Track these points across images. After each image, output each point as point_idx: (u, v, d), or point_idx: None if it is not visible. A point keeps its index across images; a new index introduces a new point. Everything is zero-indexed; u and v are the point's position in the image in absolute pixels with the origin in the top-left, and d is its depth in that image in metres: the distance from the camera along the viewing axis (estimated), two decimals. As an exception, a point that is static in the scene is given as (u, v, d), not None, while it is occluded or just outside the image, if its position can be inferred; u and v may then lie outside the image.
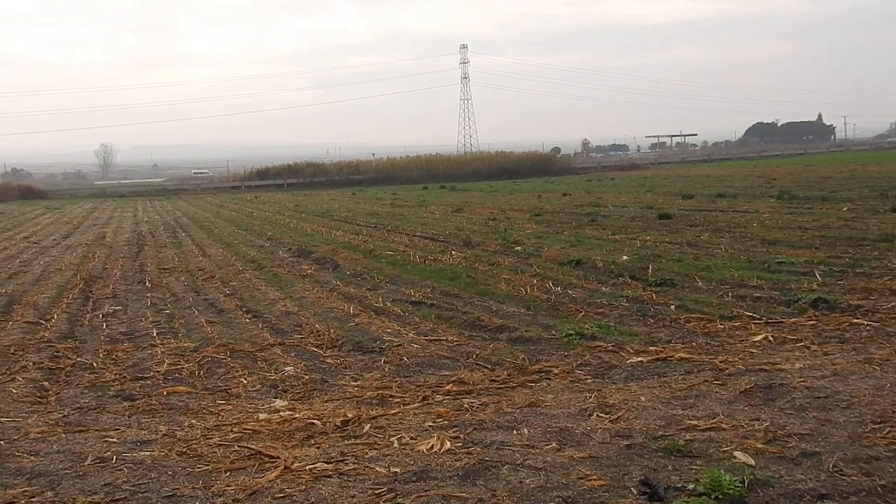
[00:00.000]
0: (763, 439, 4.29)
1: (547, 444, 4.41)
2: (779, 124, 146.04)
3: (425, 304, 9.96)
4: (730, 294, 9.17)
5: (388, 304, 9.98)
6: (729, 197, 24.56)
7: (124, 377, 7.04)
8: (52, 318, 9.95)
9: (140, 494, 3.98)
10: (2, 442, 4.97)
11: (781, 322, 7.79)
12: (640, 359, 6.73)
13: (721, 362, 6.28)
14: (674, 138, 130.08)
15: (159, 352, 7.94)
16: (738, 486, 3.57)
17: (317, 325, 8.83)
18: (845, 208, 18.59)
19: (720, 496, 3.50)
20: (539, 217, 21.23)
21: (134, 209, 37.73)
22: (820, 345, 6.77)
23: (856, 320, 7.58)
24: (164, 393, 6.42)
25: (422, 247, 15.85)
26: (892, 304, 8.15)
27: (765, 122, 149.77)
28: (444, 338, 8.10)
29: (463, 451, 4.36)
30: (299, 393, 6.37)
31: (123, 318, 10.01)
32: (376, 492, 3.82)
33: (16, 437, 5.09)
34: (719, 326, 7.78)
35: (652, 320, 8.30)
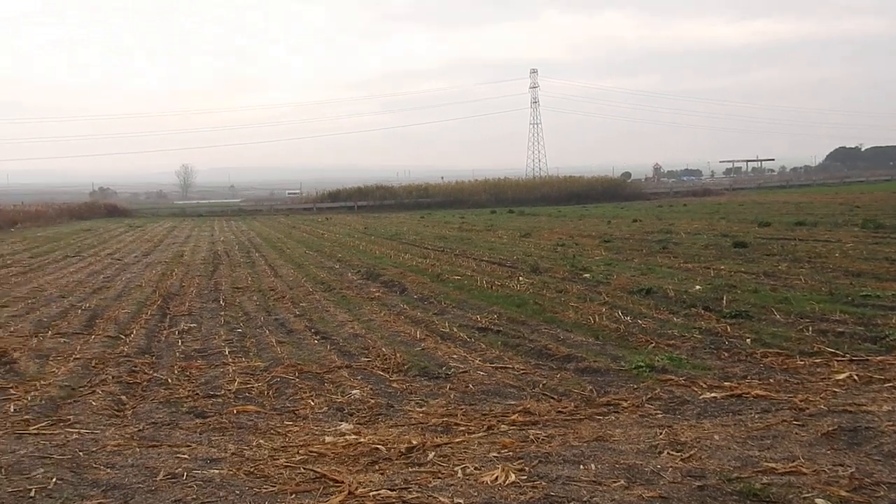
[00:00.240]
0: (847, 487, 4.07)
1: (615, 482, 4.29)
2: (863, 149, 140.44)
3: (492, 330, 9.91)
4: (810, 328, 8.81)
5: (455, 330, 9.97)
6: (809, 225, 23.71)
7: (197, 394, 7.21)
8: (132, 333, 10.31)
9: (208, 513, 4.04)
10: (81, 453, 5.14)
11: (867, 360, 7.42)
12: (713, 394, 6.51)
13: (801, 401, 6.01)
14: (749, 163, 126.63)
15: (231, 370, 8.11)
16: (819, 536, 3.39)
17: (383, 349, 8.89)
18: (935, 241, 17.69)
19: (800, 546, 3.33)
20: (608, 243, 20.94)
21: (211, 229, 38.92)
22: (909, 386, 6.41)
23: (948, 361, 7.16)
24: (234, 411, 6.54)
25: (489, 272, 15.81)
26: None
27: (847, 146, 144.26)
28: (510, 366, 8.03)
29: (528, 484, 4.28)
30: (365, 417, 6.39)
31: (198, 336, 10.28)
32: (440, 522, 3.78)
33: (94, 449, 5.26)
34: (799, 363, 7.47)
35: (726, 354, 8.04)
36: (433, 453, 5.09)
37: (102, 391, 7.20)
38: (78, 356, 8.74)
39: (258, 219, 51.92)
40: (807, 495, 3.96)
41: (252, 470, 4.78)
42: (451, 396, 6.93)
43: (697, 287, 12.08)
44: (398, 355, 8.49)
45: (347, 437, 5.62)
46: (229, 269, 18.50)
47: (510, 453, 4.98)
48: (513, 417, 6.10)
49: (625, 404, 6.42)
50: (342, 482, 4.44)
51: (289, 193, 76.70)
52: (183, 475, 4.65)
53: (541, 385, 7.20)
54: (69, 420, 6.20)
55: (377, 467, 4.86)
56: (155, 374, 7.99)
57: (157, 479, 4.60)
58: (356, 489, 4.29)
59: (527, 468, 4.58)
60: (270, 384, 7.49)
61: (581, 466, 4.60)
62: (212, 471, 4.75)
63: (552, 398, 6.77)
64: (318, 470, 4.74)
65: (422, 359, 8.41)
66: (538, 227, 29.41)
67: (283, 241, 27.98)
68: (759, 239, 19.82)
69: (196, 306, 12.81)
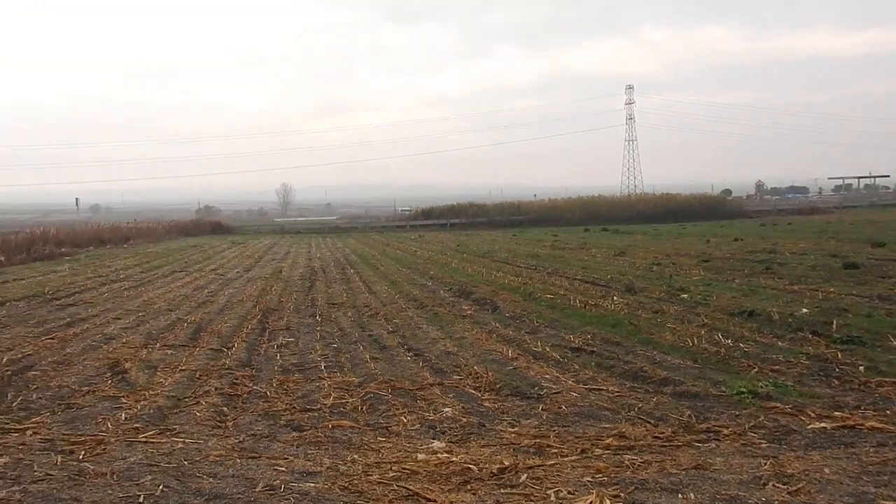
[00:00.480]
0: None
1: (716, 513, 4.12)
2: None
3: (585, 350, 9.75)
4: (930, 357, 8.24)
5: (547, 349, 9.87)
6: (927, 246, 22.24)
7: (294, 407, 7.40)
8: (233, 346, 10.69)
9: (304, 526, 4.13)
10: (186, 462, 5.36)
11: None
12: (822, 425, 6.17)
13: (921, 435, 5.62)
14: (861, 180, 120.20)
15: (326, 385, 8.28)
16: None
17: (475, 367, 8.88)
18: None
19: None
20: (707, 263, 20.26)
21: (308, 245, 40.05)
22: None
23: None
24: (330, 426, 6.67)
25: (582, 291, 15.59)
26: None
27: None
28: (604, 387, 7.87)
29: (624, 511, 4.17)
30: (457, 435, 6.39)
31: (295, 350, 10.56)
32: (532, 547, 3.72)
33: (197, 459, 5.48)
34: (918, 393, 6.99)
35: (837, 382, 7.60)
36: (525, 475, 5.04)
37: (206, 402, 7.49)
38: (183, 368, 9.14)
39: (353, 236, 53.10)
40: (929, 538, 3.69)
41: (347, 485, 4.85)
42: (544, 417, 6.85)
43: (804, 310, 11.51)
44: (490, 374, 8.47)
45: (440, 455, 5.64)
46: (325, 286, 18.95)
47: (605, 478, 4.86)
48: (607, 441, 5.97)
49: (726, 432, 6.17)
50: (434, 501, 4.46)
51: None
52: (280, 487, 4.77)
53: (636, 408, 7.01)
54: (175, 429, 6.49)
55: (469, 487, 4.85)
56: (254, 387, 8.25)
57: (256, 490, 4.74)
58: (448, 509, 4.29)
59: (622, 495, 4.47)
60: (364, 400, 7.60)
61: (679, 495, 4.45)
62: (308, 484, 4.86)
63: (648, 422, 6.58)
64: (411, 488, 4.77)
65: (514, 378, 8.35)
66: (633, 246, 28.82)
67: (376, 259, 28.47)
68: (872, 260, 18.71)
69: (294, 321, 13.17)
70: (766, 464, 5.10)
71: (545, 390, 7.73)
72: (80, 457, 5.49)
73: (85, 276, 22.73)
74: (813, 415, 6.47)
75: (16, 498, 4.46)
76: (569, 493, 4.58)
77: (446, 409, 7.16)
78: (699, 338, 9.91)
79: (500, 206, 69.75)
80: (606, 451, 5.70)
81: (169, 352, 10.24)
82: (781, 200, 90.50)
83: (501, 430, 6.49)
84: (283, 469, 5.22)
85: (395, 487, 4.80)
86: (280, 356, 10.07)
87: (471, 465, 5.29)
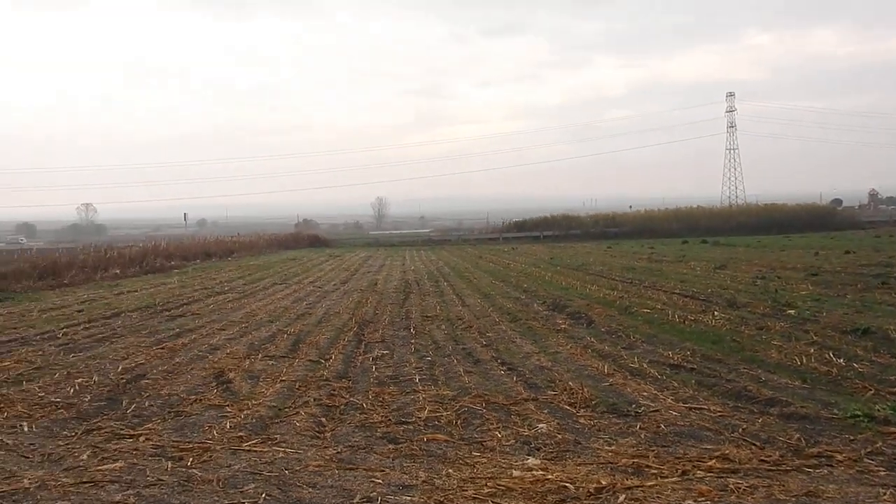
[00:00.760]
0: None
1: (830, 544, 3.90)
2: None
3: (684, 367, 9.45)
4: None
5: (645, 366, 9.62)
6: None
7: (390, 420, 7.49)
8: (331, 358, 10.94)
9: (400, 539, 4.16)
10: (286, 471, 5.51)
11: None
12: (948, 452, 5.74)
13: None
14: None
15: (421, 397, 8.34)
16: None
17: (570, 383, 8.75)
18: None
19: None
20: (816, 277, 19.31)
21: (402, 258, 40.63)
22: None
23: None
24: (425, 439, 6.71)
25: (681, 305, 15.14)
26: None
27: None
28: (705, 406, 7.59)
29: (729, 538, 4.00)
30: (552, 452, 6.31)
31: (390, 362, 10.70)
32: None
33: (297, 469, 5.62)
34: None
35: (963, 406, 7.07)
36: (624, 496, 4.92)
37: (305, 413, 7.68)
38: (284, 378, 9.41)
39: (446, 248, 53.51)
40: None
41: (442, 499, 4.87)
42: (642, 436, 6.67)
43: (925, 328, 10.78)
44: (585, 390, 8.33)
45: (535, 472, 5.58)
46: (419, 298, 19.16)
47: (708, 502, 4.69)
48: (710, 463, 5.75)
49: (839, 457, 5.83)
50: (530, 519, 4.40)
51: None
52: (377, 500, 4.84)
53: (740, 430, 6.73)
54: (276, 439, 6.68)
55: (565, 506, 4.77)
56: (351, 399, 8.41)
57: (354, 501, 4.82)
58: (544, 528, 4.23)
59: (727, 521, 4.29)
60: (459, 413, 7.61)
61: (789, 524, 4.23)
62: (404, 497, 4.90)
63: (754, 445, 6.30)
64: (506, 505, 4.73)
65: (610, 395, 8.18)
66: (734, 259, 27.80)
67: (469, 271, 28.58)
68: None
69: (388, 333, 13.36)
70: (885, 493, 4.79)
71: (643, 408, 7.53)
72: (189, 463, 5.74)
73: (192, 287, 23.83)
74: (937, 441, 6.04)
75: (130, 501, 4.70)
76: (670, 516, 4.44)
77: (541, 425, 7.08)
78: (808, 356, 9.45)
79: (594, 218, 68.81)
80: (709, 474, 5.49)
81: (270, 362, 10.57)
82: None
83: (598, 449, 6.36)
84: (380, 481, 5.29)
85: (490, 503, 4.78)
86: (375, 368, 10.23)
87: (567, 484, 5.21)
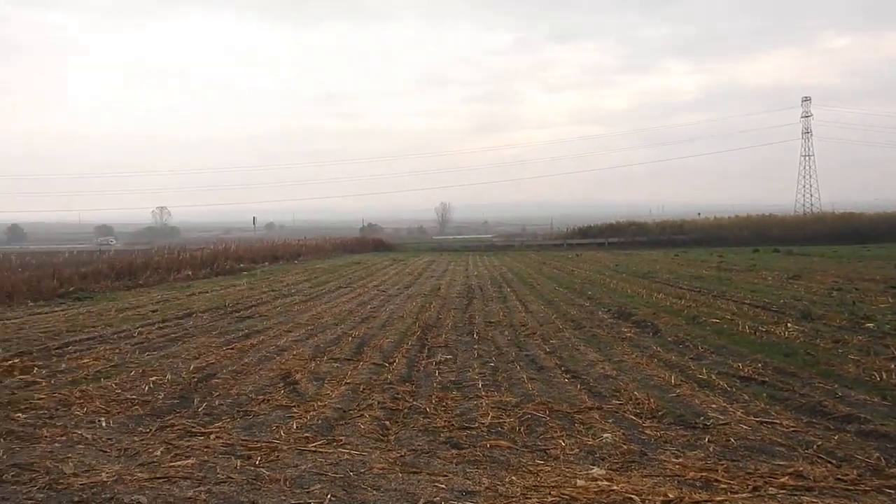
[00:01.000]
0: None
1: (912, 569, 3.73)
2: None
3: (755, 380, 9.18)
4: None
5: (713, 377, 9.39)
6: None
7: (453, 425, 7.50)
8: (394, 361, 11.03)
9: (464, 545, 4.16)
10: (351, 473, 5.58)
11: None
12: None
13: None
14: None
15: (484, 403, 8.33)
16: None
17: (636, 393, 8.61)
18: None
19: None
20: (896, 289, 18.50)
21: (465, 263, 40.69)
22: None
23: None
24: (488, 445, 6.70)
25: (752, 316, 14.72)
26: None
27: None
28: (777, 421, 7.36)
29: (803, 558, 3.86)
30: (617, 463, 6.21)
31: (453, 367, 10.72)
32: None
33: (362, 471, 5.68)
34: None
35: None
36: (692, 510, 4.80)
37: (369, 415, 7.77)
38: (348, 381, 9.54)
39: (509, 254, 53.34)
40: None
41: (505, 507, 4.85)
42: (711, 449, 6.51)
43: None
44: (651, 400, 8.18)
45: (599, 482, 5.50)
46: (482, 304, 19.15)
47: (780, 520, 4.54)
48: (782, 480, 5.56)
49: (922, 478, 5.57)
50: (595, 530, 4.35)
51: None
52: (440, 504, 4.85)
53: (815, 446, 6.50)
54: (341, 440, 6.77)
55: (631, 519, 4.69)
56: (415, 403, 8.46)
57: (418, 505, 4.84)
58: (609, 540, 4.17)
59: (801, 540, 4.14)
60: (522, 420, 7.58)
61: (868, 546, 4.06)
62: (467, 503, 4.90)
63: (830, 462, 6.08)
64: (570, 514, 4.68)
65: (677, 406, 8.02)
66: (809, 269, 26.88)
67: (533, 277, 28.41)
68: None
69: (452, 338, 13.39)
70: (972, 518, 4.56)
71: (711, 421, 7.35)
72: (257, 462, 5.87)
73: (260, 290, 24.39)
74: None
75: (201, 498, 4.84)
76: (740, 533, 4.32)
77: (606, 435, 6.98)
78: (888, 372, 9.06)
79: (661, 225, 67.54)
80: (782, 491, 5.32)
81: (335, 365, 10.73)
82: None
83: (665, 461, 6.24)
84: (443, 486, 5.30)
85: (554, 513, 4.74)
86: (439, 373, 10.27)
87: (633, 496, 5.12)
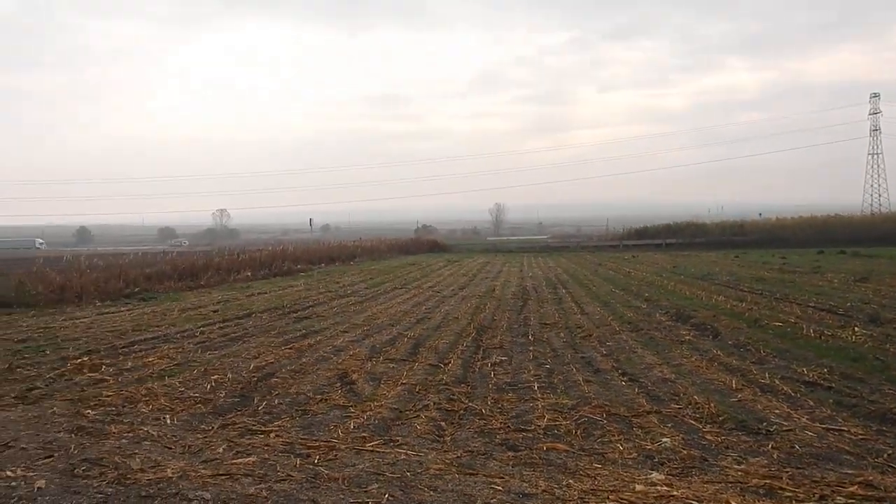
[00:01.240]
0: None
1: None
2: None
3: (821, 385, 8.91)
4: None
5: (776, 382, 9.15)
6: None
7: (508, 426, 7.48)
8: (449, 362, 11.06)
9: (521, 548, 4.15)
10: (408, 473, 5.62)
11: None
12: None
13: None
14: None
15: (539, 405, 8.29)
16: None
17: (695, 397, 8.45)
18: None
19: None
20: (972, 291, 17.71)
21: (520, 264, 40.53)
22: None
23: None
24: (544, 448, 6.67)
25: (817, 319, 14.29)
26: None
27: None
28: (844, 428, 7.13)
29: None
30: (676, 468, 6.11)
31: (508, 369, 10.68)
32: None
33: (419, 471, 5.72)
34: None
35: None
36: (755, 518, 4.69)
37: (425, 416, 7.81)
38: (404, 381, 9.60)
39: (564, 255, 52.92)
40: None
41: (562, 510, 4.81)
42: (774, 456, 6.34)
43: None
44: (712, 405, 8.02)
45: (659, 487, 5.41)
46: (537, 305, 19.04)
47: (849, 531, 4.40)
48: (851, 489, 5.38)
49: None
50: (654, 536, 4.28)
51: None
52: (497, 506, 4.84)
53: (885, 455, 6.28)
54: (398, 440, 6.83)
55: (692, 525, 4.60)
56: (470, 404, 8.46)
57: (474, 507, 4.84)
58: (670, 546, 4.11)
59: (871, 552, 4.01)
60: (578, 423, 7.51)
61: (944, 560, 3.90)
62: (524, 506, 4.88)
63: (901, 472, 5.86)
64: (629, 520, 4.62)
65: (738, 411, 7.84)
66: (878, 271, 25.94)
67: (588, 279, 28.13)
68: None
69: (507, 340, 13.35)
70: None
71: (775, 427, 7.17)
72: (316, 461, 5.96)
73: (317, 290, 24.75)
74: None
75: (263, 495, 4.93)
76: (806, 543, 4.20)
77: (665, 440, 6.87)
78: (963, 378, 8.68)
79: (720, 226, 66.06)
80: (850, 500, 5.15)
81: (391, 365, 10.81)
82: None
83: (726, 467, 6.10)
84: (500, 488, 5.29)
85: (613, 518, 4.68)
86: (494, 374, 10.25)
87: (693, 502, 5.03)
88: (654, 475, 5.83)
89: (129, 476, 5.35)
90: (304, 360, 11.18)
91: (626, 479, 5.71)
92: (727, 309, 16.44)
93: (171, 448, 6.40)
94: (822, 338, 12.09)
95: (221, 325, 15.73)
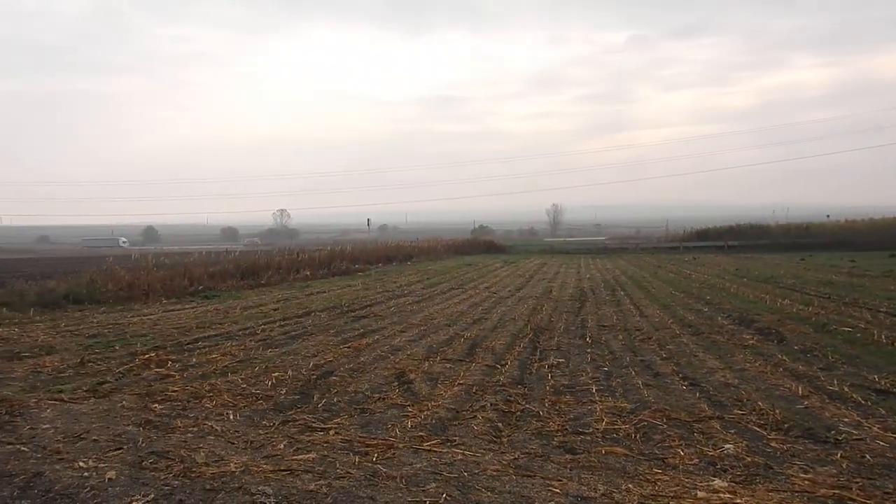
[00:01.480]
0: None
1: None
2: None
3: (893, 394, 8.58)
4: None
5: (846, 389, 8.84)
6: None
7: (566, 429, 7.42)
8: (506, 363, 11.03)
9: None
10: (465, 474, 5.63)
11: None
12: None
13: None
14: None
15: (598, 409, 8.20)
16: None
17: (759, 403, 8.24)
18: None
19: None
20: None
21: (577, 266, 40.15)
22: None
23: None
24: (603, 451, 6.59)
25: (888, 325, 13.75)
26: None
27: None
28: (919, 438, 6.85)
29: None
30: (740, 475, 5.96)
31: (566, 371, 10.60)
32: None
33: (476, 472, 5.72)
34: None
35: None
36: (823, 530, 4.54)
37: (482, 417, 7.81)
38: (461, 382, 9.61)
39: (622, 257, 52.21)
40: None
41: (622, 515, 4.75)
42: (844, 466, 6.14)
43: None
44: (777, 411, 7.80)
45: (722, 495, 5.30)
46: (595, 307, 18.84)
47: (924, 545, 4.22)
48: (926, 502, 5.18)
49: None
50: (717, 545, 4.19)
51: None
52: (556, 509, 4.81)
53: (963, 467, 6.01)
54: (455, 440, 6.84)
55: (756, 535, 4.49)
56: (527, 406, 8.42)
57: (532, 509, 4.82)
58: (733, 555, 4.01)
59: (949, 568, 3.84)
60: (638, 427, 7.41)
61: None
62: (582, 509, 4.84)
63: (981, 485, 5.60)
64: (691, 527, 4.53)
65: (805, 418, 7.60)
66: (954, 274, 24.83)
67: (648, 281, 27.69)
68: None
69: (564, 342, 13.24)
70: None
71: (844, 435, 6.93)
72: (374, 459, 6.02)
73: (375, 290, 24.99)
74: None
75: (322, 492, 5.01)
76: (878, 556, 4.05)
77: (728, 446, 6.72)
78: None
79: (785, 228, 64.20)
80: (925, 514, 4.95)
81: (448, 365, 10.84)
82: None
83: (792, 475, 5.93)
84: (558, 491, 5.26)
85: (674, 524, 4.60)
86: (551, 376, 10.18)
87: (758, 511, 4.90)
88: (717, 482, 5.70)
89: (193, 469, 5.49)
90: (361, 358, 11.30)
91: (688, 485, 5.60)
92: (792, 313, 15.97)
93: (233, 443, 6.55)
94: (895, 344, 11.64)
95: (282, 323, 16.02)
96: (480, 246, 67.20)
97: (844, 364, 10.41)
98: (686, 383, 9.55)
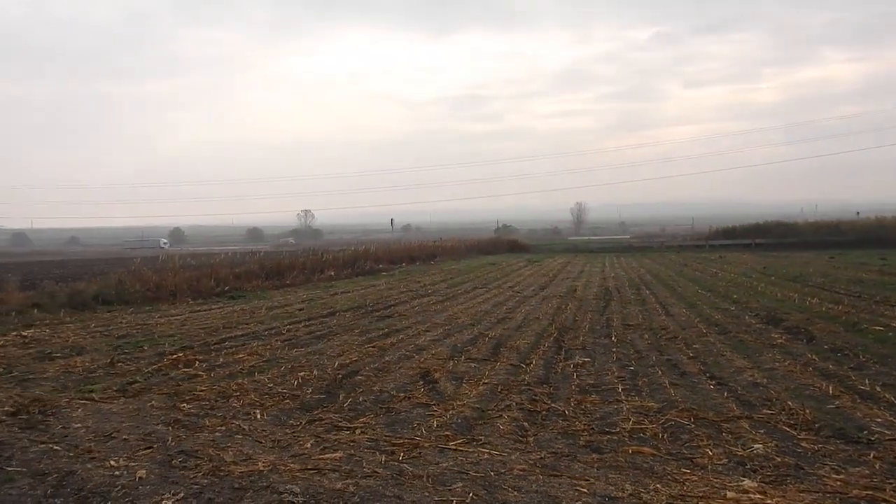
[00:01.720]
0: None
1: None
2: None
3: (928, 393, 8.42)
4: None
5: (878, 389, 8.70)
6: None
7: (592, 428, 7.39)
8: (531, 363, 11.00)
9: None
10: (492, 473, 5.62)
11: None
12: None
13: None
14: None
15: (624, 408, 8.15)
16: None
17: (789, 402, 8.13)
18: None
19: None
20: None
21: (601, 264, 39.92)
22: None
23: None
24: (630, 451, 6.55)
25: (921, 323, 13.51)
26: None
27: None
28: (955, 438, 6.72)
29: None
30: (770, 476, 5.89)
31: (591, 370, 10.54)
32: None
33: (502, 471, 5.71)
34: None
35: None
36: (856, 531, 4.47)
37: (507, 416, 7.79)
38: (486, 381, 9.61)
39: (648, 255, 51.81)
40: None
41: (651, 516, 4.72)
42: (877, 467, 6.03)
43: None
44: (807, 411, 7.70)
45: (751, 495, 5.24)
46: (620, 306, 18.72)
47: (961, 548, 4.14)
48: (962, 504, 5.07)
49: None
50: (748, 546, 4.14)
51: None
52: (583, 509, 4.78)
53: None
54: (481, 440, 6.84)
55: (787, 536, 4.43)
56: (553, 405, 8.39)
57: (559, 508, 4.80)
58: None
59: None
60: (665, 427, 7.35)
61: None
62: (610, 510, 4.81)
63: None
64: (721, 527, 4.49)
65: (836, 418, 7.49)
66: None
67: (673, 279, 27.45)
68: None
69: (589, 341, 13.17)
70: None
71: (877, 435, 6.82)
72: (400, 458, 6.04)
73: (398, 290, 25.05)
74: None
75: (349, 490, 5.03)
76: (913, 558, 3.98)
77: (757, 446, 6.64)
78: None
79: (814, 226, 63.30)
80: (961, 515, 4.85)
81: (472, 365, 10.83)
82: None
83: (823, 476, 5.85)
84: (585, 490, 5.23)
85: (703, 525, 4.56)
86: (576, 375, 10.13)
87: (788, 512, 4.84)
88: (746, 482, 5.63)
89: (222, 468, 5.55)
90: (386, 358, 11.33)
91: (717, 485, 5.54)
92: (822, 312, 15.75)
93: (261, 442, 6.60)
94: (928, 343, 11.44)
95: (307, 323, 16.12)
96: (504, 245, 67.06)
97: (876, 363, 10.24)
98: (713, 382, 9.46)
